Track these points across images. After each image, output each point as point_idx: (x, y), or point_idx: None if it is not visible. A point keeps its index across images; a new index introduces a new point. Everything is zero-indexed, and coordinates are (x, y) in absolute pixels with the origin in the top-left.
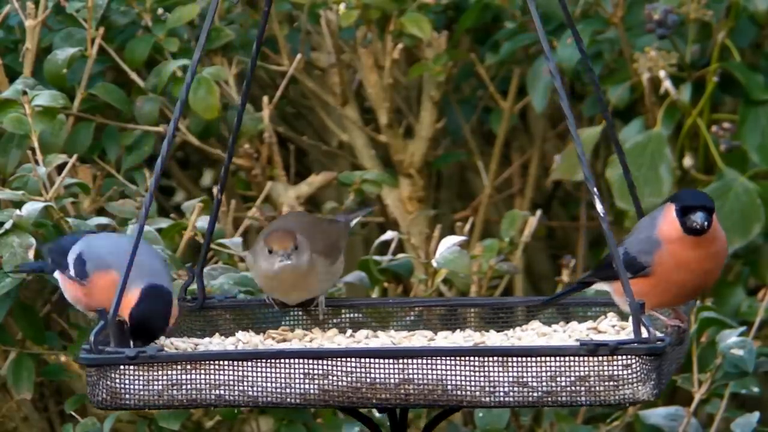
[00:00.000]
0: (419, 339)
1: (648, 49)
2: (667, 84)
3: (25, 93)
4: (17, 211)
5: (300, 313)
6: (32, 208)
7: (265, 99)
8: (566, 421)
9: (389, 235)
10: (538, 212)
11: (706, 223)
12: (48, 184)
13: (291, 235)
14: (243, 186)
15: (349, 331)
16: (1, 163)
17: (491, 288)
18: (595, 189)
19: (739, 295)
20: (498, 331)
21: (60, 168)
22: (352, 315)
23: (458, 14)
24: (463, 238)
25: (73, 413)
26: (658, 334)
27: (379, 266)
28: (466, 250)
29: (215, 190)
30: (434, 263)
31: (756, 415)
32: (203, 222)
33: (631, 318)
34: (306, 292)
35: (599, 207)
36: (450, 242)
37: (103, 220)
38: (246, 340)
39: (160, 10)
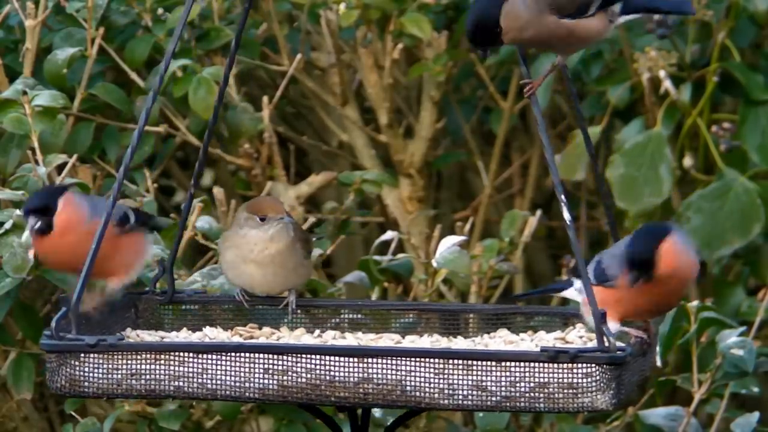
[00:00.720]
0: (386, 342)
1: (648, 49)
2: (667, 84)
3: (25, 93)
4: (17, 211)
5: (268, 309)
6: None
7: (265, 99)
8: (566, 421)
9: (389, 235)
10: (538, 212)
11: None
12: (48, 184)
13: (278, 200)
14: (243, 186)
15: (317, 331)
16: (1, 163)
17: (491, 288)
18: (563, 197)
19: (739, 295)
20: (465, 338)
21: (60, 168)
22: (352, 316)
23: (458, 14)
24: (463, 238)
25: (73, 413)
26: (619, 344)
27: (379, 266)
28: (466, 250)
29: (215, 190)
30: (434, 263)
31: (756, 415)
32: (203, 222)
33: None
34: (279, 277)
35: (566, 215)
36: (450, 242)
37: None
38: (213, 335)
39: (160, 10)
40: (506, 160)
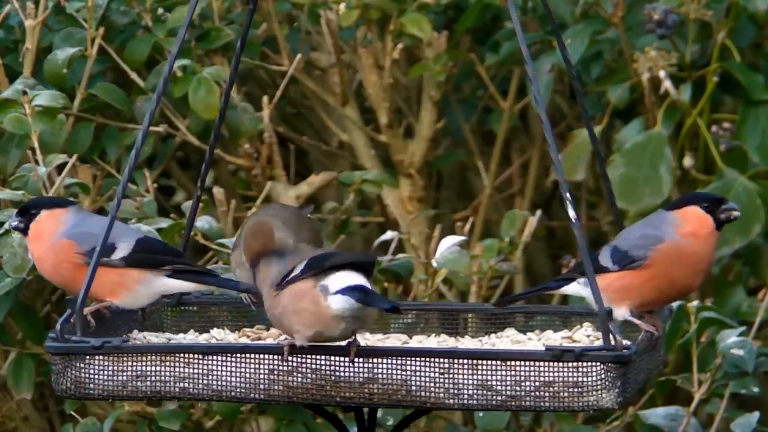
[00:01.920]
0: (393, 342)
1: (648, 49)
2: (667, 84)
3: (25, 93)
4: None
5: None
6: None
7: (265, 99)
8: (566, 421)
9: (389, 235)
10: (538, 212)
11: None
12: (48, 184)
13: (270, 231)
14: (243, 186)
15: None
16: (1, 163)
17: (491, 288)
18: (567, 195)
19: (739, 295)
20: (473, 338)
21: (60, 168)
22: None
23: (458, 14)
24: (463, 238)
25: (73, 413)
26: (625, 342)
27: (380, 266)
28: (466, 250)
29: (215, 190)
30: (434, 263)
31: (756, 415)
32: (203, 222)
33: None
34: None
35: (571, 213)
36: (450, 242)
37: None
38: (220, 337)
39: (160, 10)
40: (506, 160)
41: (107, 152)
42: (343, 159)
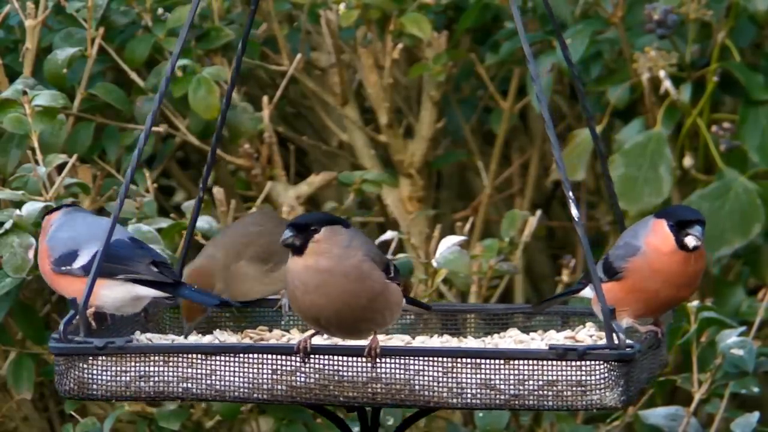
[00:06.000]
0: (396, 342)
1: (648, 49)
2: (667, 84)
3: (25, 93)
4: (17, 211)
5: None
6: (32, 208)
7: (265, 99)
8: (566, 421)
9: (389, 235)
10: (538, 212)
11: (701, 241)
12: (48, 184)
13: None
14: (243, 186)
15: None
16: (1, 163)
17: (491, 288)
18: (570, 194)
19: (739, 295)
20: (475, 338)
21: (60, 168)
22: None
23: (458, 14)
24: (463, 238)
25: (73, 413)
26: (629, 341)
27: None
28: (466, 250)
29: (215, 190)
30: (434, 263)
31: (756, 415)
32: (203, 222)
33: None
34: (275, 286)
35: (574, 212)
36: (450, 242)
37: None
38: (223, 338)
39: (160, 10)
40: (506, 160)
41: (107, 152)
42: (343, 159)
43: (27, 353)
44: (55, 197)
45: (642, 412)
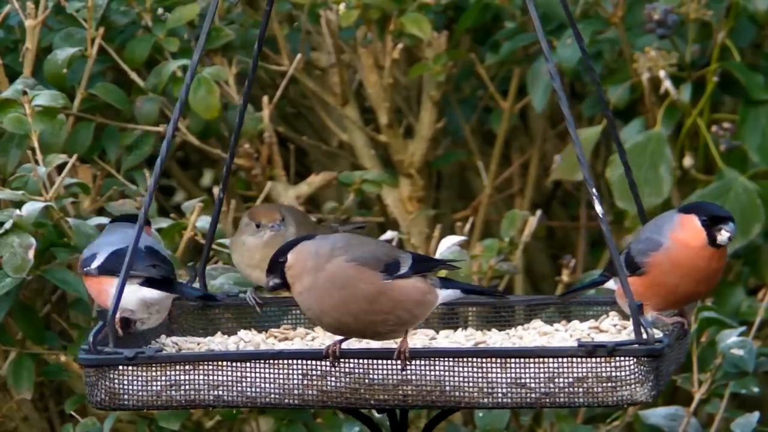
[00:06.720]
0: (421, 338)
1: (648, 49)
2: (667, 84)
3: (25, 93)
4: (17, 211)
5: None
6: (32, 208)
7: (265, 99)
8: (566, 421)
9: (389, 235)
10: (538, 212)
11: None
12: (48, 184)
13: (276, 207)
14: (243, 186)
15: None
16: (1, 163)
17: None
18: (594, 190)
19: (739, 295)
20: (499, 330)
21: (60, 168)
22: None
23: (458, 14)
24: (463, 238)
25: (73, 413)
26: (657, 335)
27: None
28: (466, 250)
29: (215, 190)
30: None
31: (756, 415)
32: (203, 222)
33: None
34: None
35: (598, 208)
36: (450, 242)
37: (103, 220)
38: (248, 339)
39: (160, 10)
40: (506, 160)
41: (107, 152)
42: (343, 159)
43: (27, 353)
44: (55, 197)
45: (642, 412)
